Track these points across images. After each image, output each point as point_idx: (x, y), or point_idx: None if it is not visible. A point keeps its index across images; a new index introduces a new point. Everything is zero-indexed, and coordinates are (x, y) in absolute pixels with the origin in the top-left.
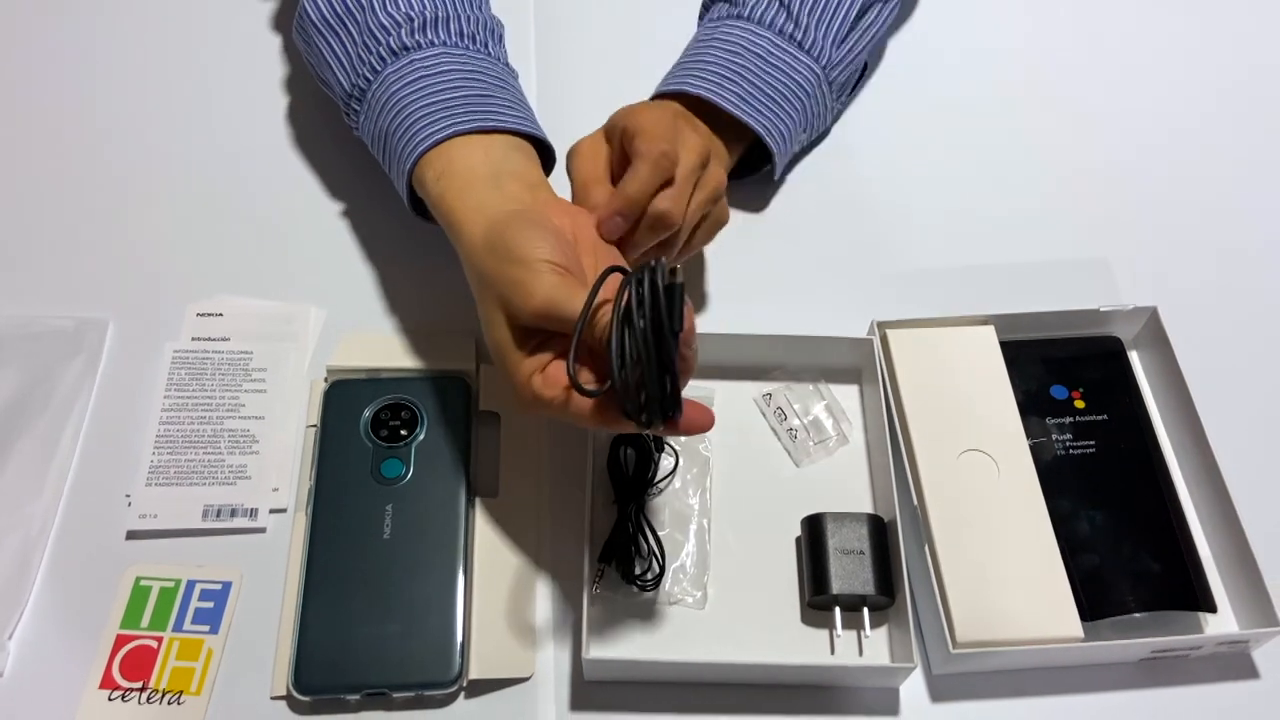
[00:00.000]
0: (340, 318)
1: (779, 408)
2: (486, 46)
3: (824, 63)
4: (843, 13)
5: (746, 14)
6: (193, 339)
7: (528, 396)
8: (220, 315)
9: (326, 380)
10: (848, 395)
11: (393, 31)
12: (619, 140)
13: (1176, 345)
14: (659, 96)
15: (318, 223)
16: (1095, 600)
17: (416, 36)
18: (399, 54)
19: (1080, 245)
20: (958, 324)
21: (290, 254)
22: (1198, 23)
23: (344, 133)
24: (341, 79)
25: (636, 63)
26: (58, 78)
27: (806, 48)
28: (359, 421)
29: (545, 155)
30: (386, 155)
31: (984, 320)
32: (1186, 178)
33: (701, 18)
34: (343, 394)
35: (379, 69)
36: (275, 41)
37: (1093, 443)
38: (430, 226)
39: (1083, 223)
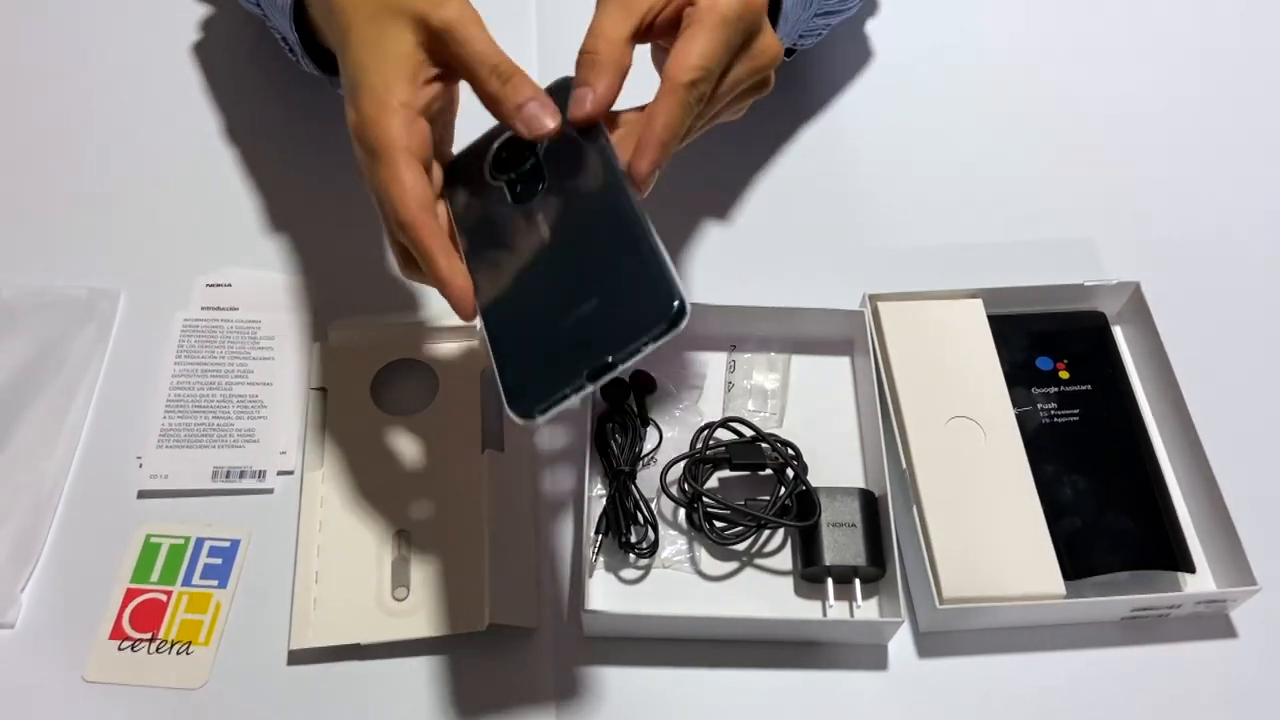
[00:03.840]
0: (345, 288)
1: (735, 366)
2: None
3: None
4: None
5: None
6: (202, 308)
7: (374, 114)
8: (229, 285)
9: (330, 343)
10: (840, 366)
11: None
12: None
13: (1158, 319)
14: None
15: (324, 196)
16: (1077, 560)
17: None
18: None
19: (1066, 224)
20: (947, 297)
21: (297, 226)
22: (1181, 2)
23: None
24: None
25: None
26: (71, 52)
27: None
28: (483, 172)
29: None
30: None
31: (972, 294)
32: (1169, 157)
33: None
34: (458, 165)
35: None
36: None
37: (1076, 411)
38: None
39: (1068, 202)
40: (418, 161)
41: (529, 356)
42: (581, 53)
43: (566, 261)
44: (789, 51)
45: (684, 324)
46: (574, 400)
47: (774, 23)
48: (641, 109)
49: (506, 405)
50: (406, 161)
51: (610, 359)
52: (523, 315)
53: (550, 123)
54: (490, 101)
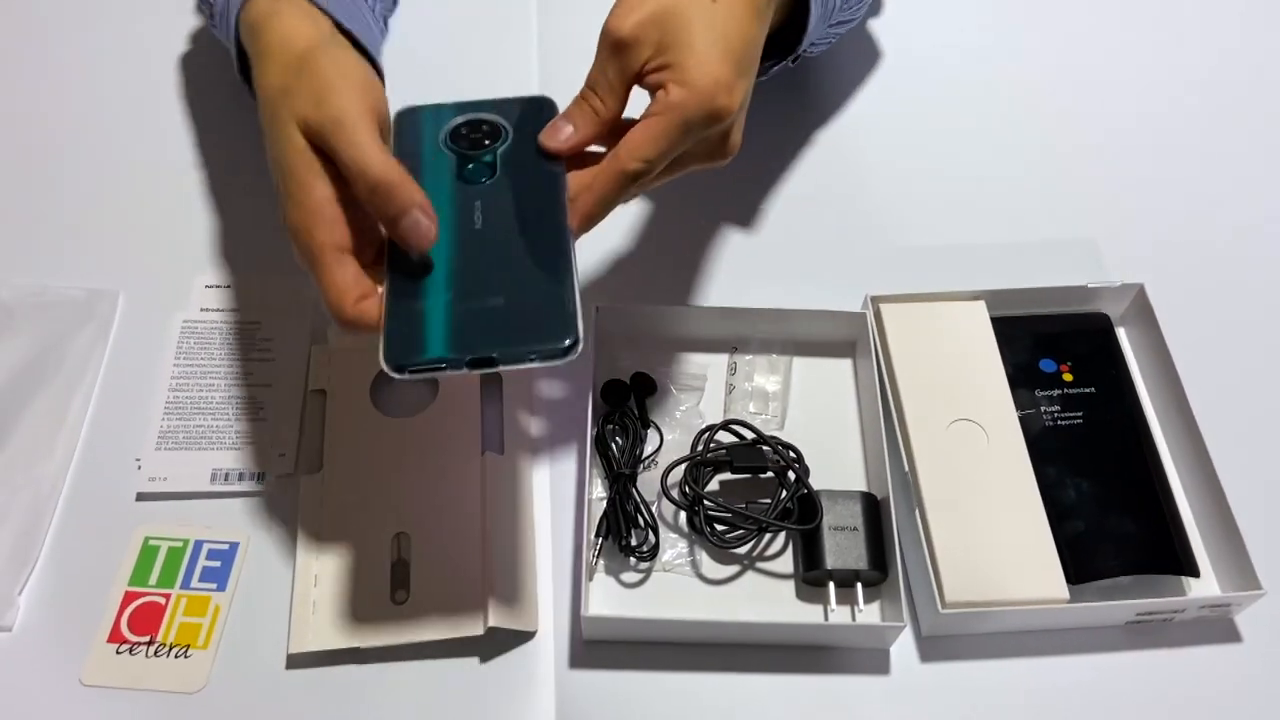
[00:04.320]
0: None
1: (737, 368)
2: None
3: None
4: None
5: None
6: (201, 310)
7: (301, 220)
8: (228, 287)
9: (329, 345)
10: (842, 368)
11: None
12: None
13: (1162, 321)
14: None
15: None
16: (1081, 564)
17: None
18: None
19: (1069, 225)
20: (950, 299)
21: None
22: (1183, 3)
23: None
24: None
25: None
26: (71, 53)
27: None
28: (436, 136)
29: None
30: (225, 16)
31: (975, 296)
32: (1173, 159)
33: None
34: (413, 119)
35: None
36: None
37: (1080, 414)
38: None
39: (1072, 203)
40: (348, 255)
41: (420, 317)
42: (584, 90)
43: (489, 254)
44: (795, 58)
45: (573, 357)
46: (444, 374)
47: (800, 35)
48: (599, 157)
49: (382, 351)
50: (336, 260)
51: (495, 356)
52: (428, 278)
53: (430, 237)
54: (368, 208)
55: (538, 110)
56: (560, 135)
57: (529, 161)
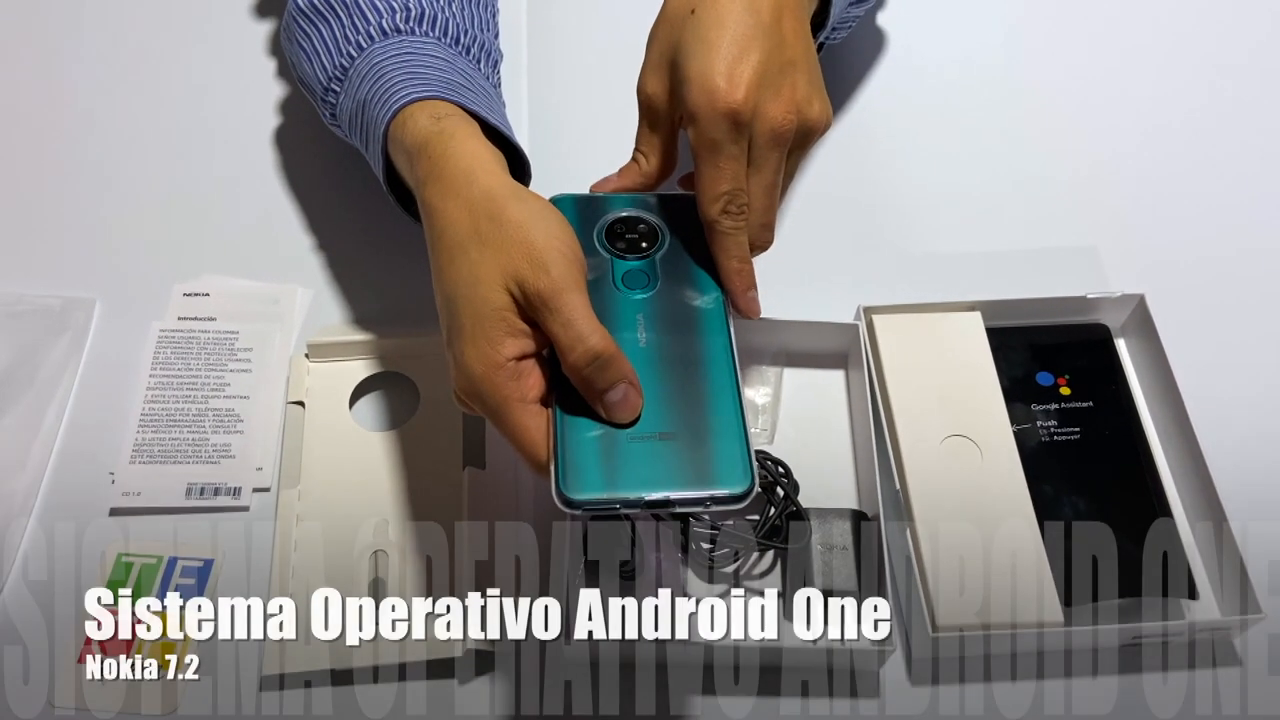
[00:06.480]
0: (326, 299)
1: None
2: (479, 64)
3: None
4: None
5: None
6: (179, 318)
7: (486, 373)
8: (207, 295)
9: (309, 356)
10: (833, 380)
11: (385, 14)
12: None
13: (1163, 333)
14: None
15: (305, 205)
16: (1077, 585)
17: (411, 25)
18: (389, 34)
19: (1069, 233)
20: (944, 310)
21: (276, 236)
22: (1185, 12)
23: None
24: (325, 62)
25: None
26: (46, 60)
27: None
28: (592, 232)
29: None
30: (363, 125)
31: (970, 306)
32: (1175, 167)
33: None
34: (563, 209)
35: (365, 46)
36: (264, 29)
37: (1077, 429)
38: (403, 216)
39: (1072, 211)
40: (535, 405)
41: (594, 451)
42: (634, 154)
43: (658, 381)
44: (821, 43)
45: (745, 505)
46: (618, 512)
47: (823, 20)
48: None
49: (556, 485)
50: (523, 411)
51: (671, 498)
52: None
53: (638, 410)
54: (573, 379)
55: (686, 211)
56: (606, 185)
57: (688, 273)
